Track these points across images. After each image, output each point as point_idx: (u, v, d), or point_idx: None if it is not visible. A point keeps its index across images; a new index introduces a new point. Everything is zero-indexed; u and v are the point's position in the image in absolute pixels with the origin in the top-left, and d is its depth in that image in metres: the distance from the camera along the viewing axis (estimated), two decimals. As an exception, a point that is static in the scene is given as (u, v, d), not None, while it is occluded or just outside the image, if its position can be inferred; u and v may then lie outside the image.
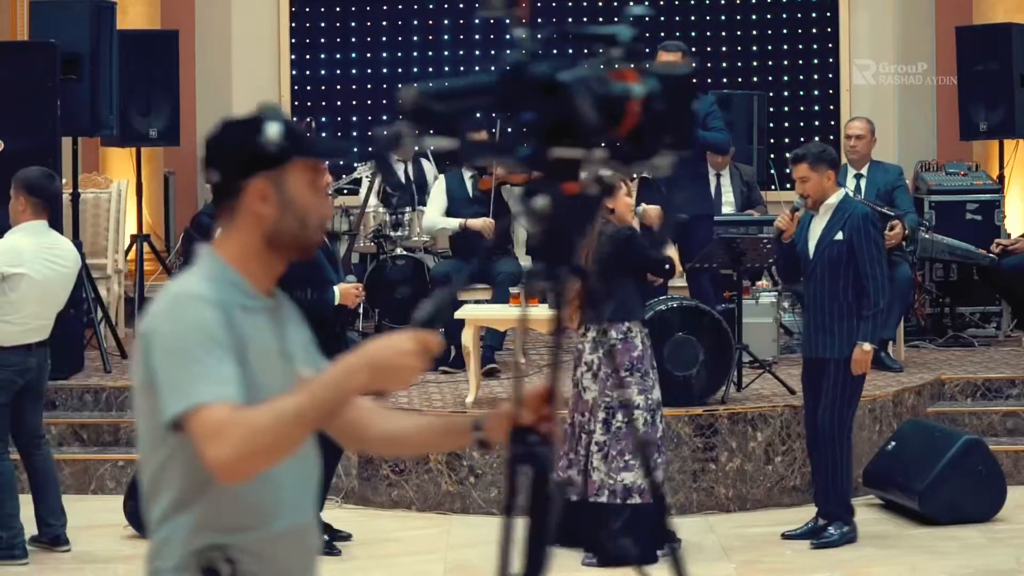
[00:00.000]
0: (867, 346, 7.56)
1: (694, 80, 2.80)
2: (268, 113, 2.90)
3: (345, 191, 11.35)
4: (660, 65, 2.73)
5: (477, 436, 2.99)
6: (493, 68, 2.75)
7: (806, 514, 8.03)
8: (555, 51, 2.71)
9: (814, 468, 7.97)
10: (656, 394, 7.46)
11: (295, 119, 2.91)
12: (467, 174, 10.45)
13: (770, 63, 13.21)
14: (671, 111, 2.70)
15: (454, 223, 10.35)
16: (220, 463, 2.67)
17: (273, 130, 2.86)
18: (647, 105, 2.67)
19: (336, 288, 7.60)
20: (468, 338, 8.87)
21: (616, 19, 2.73)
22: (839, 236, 7.63)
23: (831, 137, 12.68)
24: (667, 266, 7.78)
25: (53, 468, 7.78)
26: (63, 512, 7.70)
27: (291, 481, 2.90)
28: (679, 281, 10.00)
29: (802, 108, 13.28)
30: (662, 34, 12.81)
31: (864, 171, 10.40)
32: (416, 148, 10.33)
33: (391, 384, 2.72)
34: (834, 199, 7.72)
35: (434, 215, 10.44)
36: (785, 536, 7.90)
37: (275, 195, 2.88)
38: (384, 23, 13.46)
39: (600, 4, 13.30)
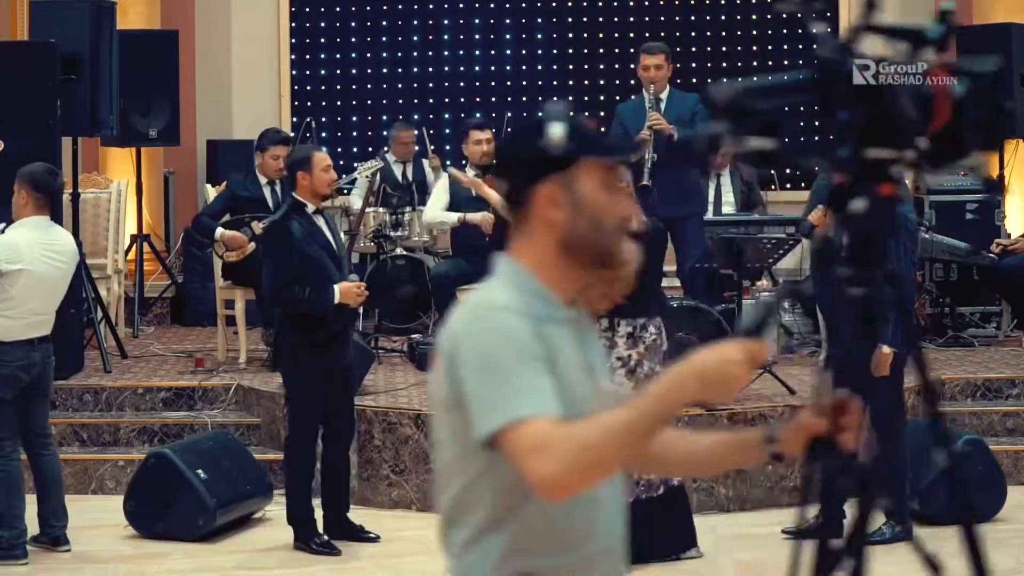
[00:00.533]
0: (886, 349, 7.55)
1: (1003, 77, 2.72)
2: (551, 114, 2.77)
3: (345, 191, 11.34)
4: (970, 62, 2.66)
5: (771, 449, 2.83)
6: (804, 64, 2.68)
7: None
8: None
9: None
10: None
11: (577, 118, 2.81)
12: (471, 172, 10.44)
13: (770, 63, 13.20)
14: (982, 109, 2.61)
15: (453, 217, 10.35)
16: (544, 480, 2.55)
17: (556, 131, 2.74)
18: (960, 103, 2.58)
19: (336, 287, 7.54)
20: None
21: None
22: None
23: (831, 137, 12.65)
24: None
25: (59, 470, 7.78)
26: (65, 514, 7.70)
27: (606, 501, 2.77)
28: (674, 281, 10.00)
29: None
30: (662, 34, 12.82)
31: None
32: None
33: (719, 395, 2.60)
34: None
35: (434, 210, 10.43)
36: (785, 532, 7.89)
37: (565, 198, 2.73)
38: (384, 23, 13.46)
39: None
